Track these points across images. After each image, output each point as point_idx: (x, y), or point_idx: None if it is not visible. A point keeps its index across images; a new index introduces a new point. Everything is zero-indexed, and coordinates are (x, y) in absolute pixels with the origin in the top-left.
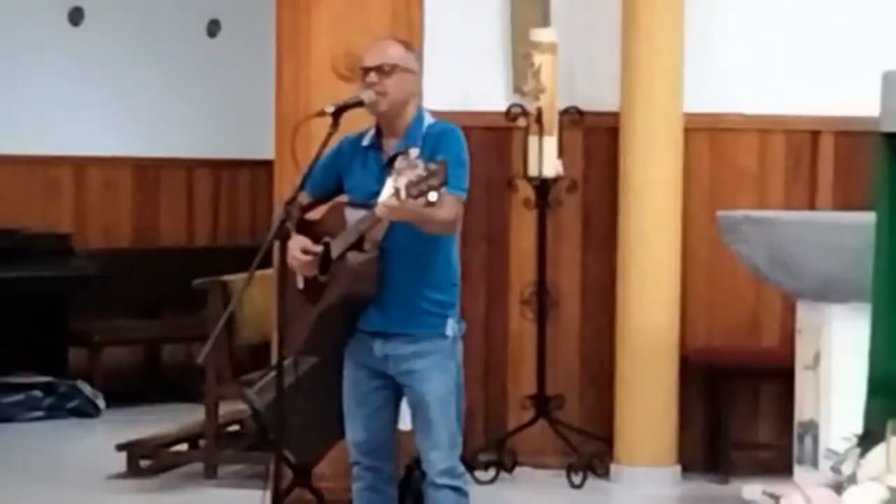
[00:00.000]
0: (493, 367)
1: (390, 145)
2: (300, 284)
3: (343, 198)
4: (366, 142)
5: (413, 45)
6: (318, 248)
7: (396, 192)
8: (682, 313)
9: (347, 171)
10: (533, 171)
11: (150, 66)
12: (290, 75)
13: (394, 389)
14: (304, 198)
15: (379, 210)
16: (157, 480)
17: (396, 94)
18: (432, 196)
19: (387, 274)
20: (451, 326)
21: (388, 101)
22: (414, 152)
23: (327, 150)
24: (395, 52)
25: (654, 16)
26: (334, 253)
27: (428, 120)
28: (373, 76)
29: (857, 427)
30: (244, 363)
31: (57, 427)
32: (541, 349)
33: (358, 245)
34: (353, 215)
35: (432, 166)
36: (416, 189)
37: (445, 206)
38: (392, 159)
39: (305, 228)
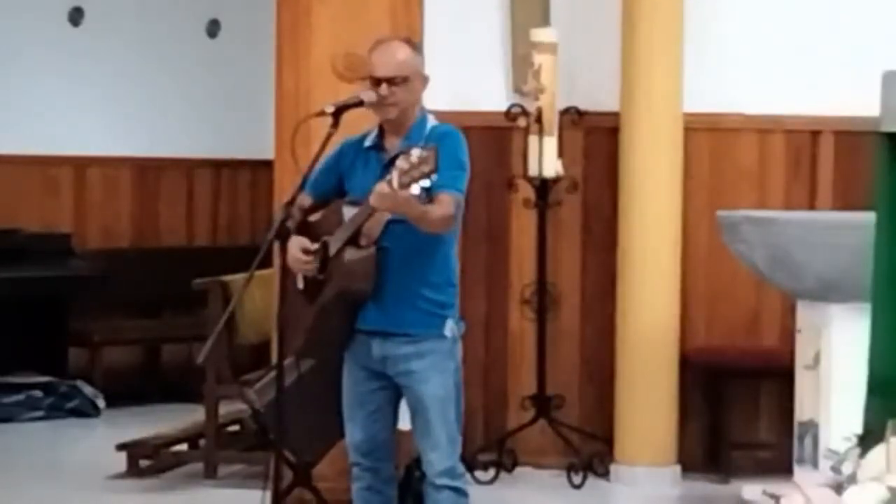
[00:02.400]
0: (493, 367)
1: (393, 145)
2: (300, 284)
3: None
4: (368, 142)
5: (414, 40)
6: (316, 247)
7: (389, 181)
8: (682, 313)
9: (349, 172)
10: (533, 171)
11: (149, 66)
12: (290, 75)
13: (393, 390)
14: (306, 200)
15: (372, 199)
16: (157, 480)
17: (407, 102)
18: (424, 183)
19: (385, 273)
20: (450, 327)
21: (398, 110)
22: (416, 152)
23: (329, 152)
24: (404, 59)
25: (654, 16)
26: (332, 250)
27: (431, 122)
28: (384, 88)
29: (857, 427)
30: (244, 363)
31: (57, 427)
32: (541, 349)
33: (355, 241)
34: (350, 212)
35: (423, 154)
36: (408, 177)
37: (440, 203)
38: (393, 159)
39: (305, 230)
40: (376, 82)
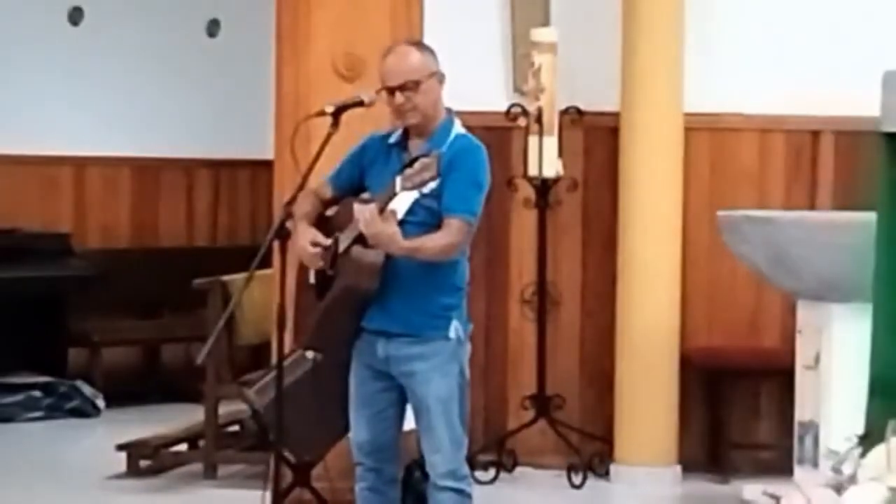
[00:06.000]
0: (493, 367)
1: (415, 146)
2: (312, 279)
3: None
4: (392, 139)
5: (422, 42)
6: (328, 242)
7: (370, 209)
8: (682, 313)
9: (370, 166)
10: (533, 170)
11: (149, 66)
12: (290, 75)
13: (398, 391)
14: (327, 191)
15: (361, 224)
16: (157, 480)
17: (426, 104)
18: (426, 188)
19: (393, 273)
20: (455, 328)
21: (420, 115)
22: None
23: (354, 145)
24: (412, 65)
25: (653, 16)
26: (341, 247)
27: (457, 130)
28: (399, 97)
29: (858, 427)
30: (244, 363)
31: (57, 427)
32: (541, 349)
33: (363, 240)
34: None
35: (426, 159)
36: (410, 182)
37: (447, 229)
38: (414, 161)
39: (323, 224)
40: (390, 92)
